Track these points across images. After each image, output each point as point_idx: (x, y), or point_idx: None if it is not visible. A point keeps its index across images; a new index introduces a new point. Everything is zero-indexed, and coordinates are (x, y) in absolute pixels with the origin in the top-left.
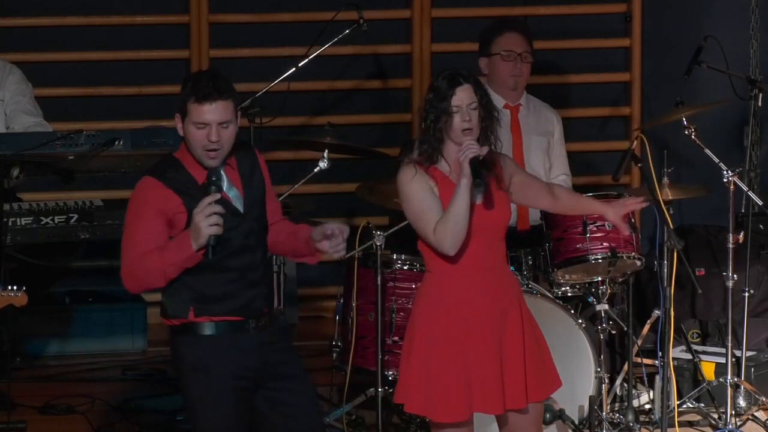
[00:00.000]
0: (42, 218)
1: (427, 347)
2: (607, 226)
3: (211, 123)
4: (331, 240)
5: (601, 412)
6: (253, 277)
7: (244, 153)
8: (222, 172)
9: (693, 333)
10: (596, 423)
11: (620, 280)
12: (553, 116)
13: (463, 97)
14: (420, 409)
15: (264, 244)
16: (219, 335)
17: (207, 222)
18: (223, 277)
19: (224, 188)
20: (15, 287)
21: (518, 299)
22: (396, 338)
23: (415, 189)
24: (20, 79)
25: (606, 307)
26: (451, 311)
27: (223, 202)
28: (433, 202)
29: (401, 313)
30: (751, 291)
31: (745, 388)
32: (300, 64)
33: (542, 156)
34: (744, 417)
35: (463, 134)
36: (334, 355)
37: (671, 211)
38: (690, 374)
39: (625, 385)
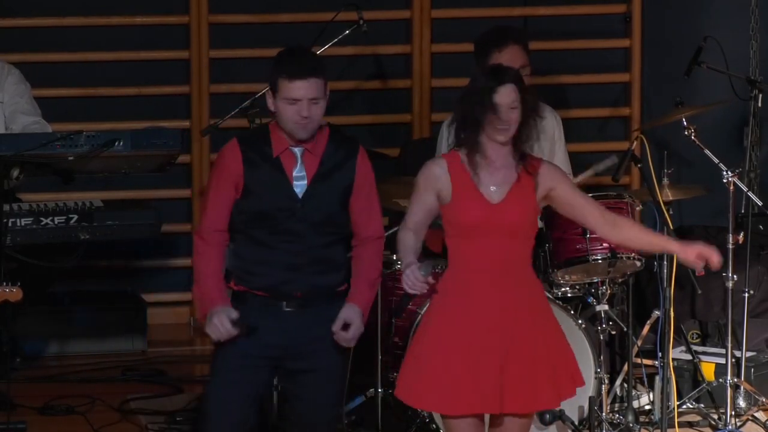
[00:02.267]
0: (42, 219)
1: (437, 341)
2: None
3: (302, 99)
4: (346, 333)
5: (601, 412)
6: (292, 261)
7: (341, 145)
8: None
9: (693, 333)
10: (596, 423)
11: (620, 280)
12: (552, 117)
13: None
14: (431, 404)
15: (324, 235)
16: (250, 308)
17: (215, 334)
18: (262, 252)
19: (295, 169)
20: (9, 283)
21: (534, 302)
22: (396, 339)
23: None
24: (18, 79)
25: (606, 307)
26: (460, 306)
27: (284, 180)
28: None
29: (402, 314)
30: (751, 291)
31: (745, 388)
32: None
33: None
34: (744, 417)
35: (497, 132)
36: None
37: (671, 212)
38: (690, 375)
39: (625, 385)
